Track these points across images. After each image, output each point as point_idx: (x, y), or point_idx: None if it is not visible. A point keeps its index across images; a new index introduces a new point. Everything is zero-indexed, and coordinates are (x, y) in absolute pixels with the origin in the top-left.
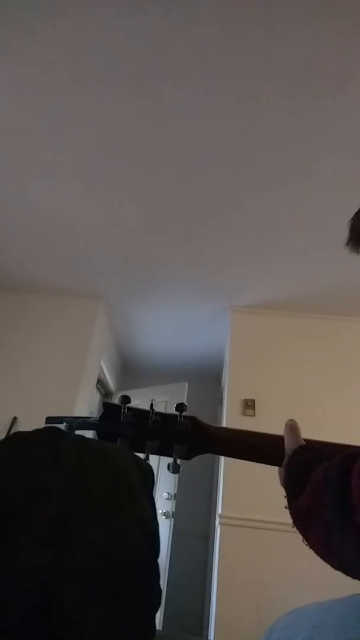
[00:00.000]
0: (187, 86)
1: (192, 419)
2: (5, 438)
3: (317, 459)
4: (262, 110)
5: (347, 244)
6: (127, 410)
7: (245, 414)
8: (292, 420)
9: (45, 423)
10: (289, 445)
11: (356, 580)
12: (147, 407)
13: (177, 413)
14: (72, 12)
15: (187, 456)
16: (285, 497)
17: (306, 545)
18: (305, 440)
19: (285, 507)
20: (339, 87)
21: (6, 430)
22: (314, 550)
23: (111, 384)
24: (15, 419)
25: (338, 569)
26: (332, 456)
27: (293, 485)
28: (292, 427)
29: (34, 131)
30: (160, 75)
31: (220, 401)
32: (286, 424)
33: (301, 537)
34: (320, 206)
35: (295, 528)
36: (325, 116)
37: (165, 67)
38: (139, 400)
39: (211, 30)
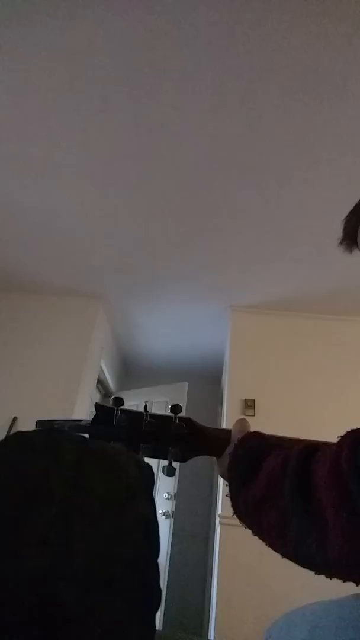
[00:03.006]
0: (187, 87)
1: (188, 420)
2: (6, 438)
3: (266, 445)
4: (262, 110)
5: (341, 243)
6: (120, 413)
7: (245, 414)
8: (242, 419)
9: (36, 426)
10: (234, 434)
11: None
12: (145, 404)
13: (172, 415)
14: (72, 12)
15: (182, 459)
16: (226, 484)
17: (253, 533)
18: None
19: (227, 495)
20: (339, 87)
21: (6, 430)
22: (263, 538)
23: (111, 384)
24: (15, 419)
25: (289, 558)
26: (280, 444)
27: (241, 473)
28: (241, 420)
29: (34, 131)
30: (160, 75)
31: (220, 401)
32: (236, 422)
33: (245, 525)
34: (320, 206)
35: (235, 515)
36: (325, 116)
37: (165, 67)
38: (139, 400)
39: (211, 30)
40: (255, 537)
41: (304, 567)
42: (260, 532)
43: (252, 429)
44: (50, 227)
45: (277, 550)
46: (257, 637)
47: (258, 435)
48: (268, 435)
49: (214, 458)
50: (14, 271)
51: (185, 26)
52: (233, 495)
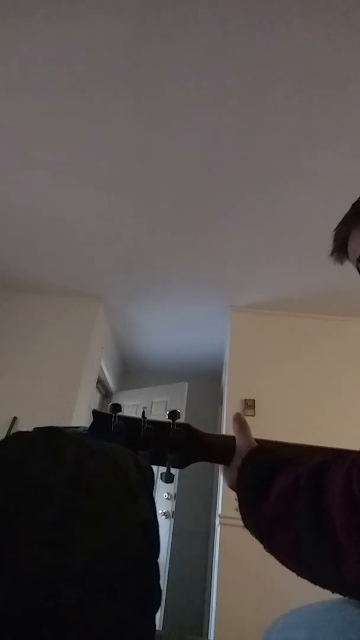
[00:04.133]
0: (187, 86)
1: (186, 426)
2: (5, 438)
3: (275, 462)
4: (262, 110)
5: (332, 254)
6: (118, 419)
7: (245, 414)
8: (239, 414)
9: None
10: (241, 447)
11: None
12: (143, 411)
13: (169, 421)
14: (72, 12)
15: (180, 465)
16: (236, 499)
17: (267, 551)
18: (256, 440)
19: (236, 509)
20: (340, 87)
21: (6, 430)
22: (278, 557)
23: (111, 384)
24: (15, 419)
25: (305, 578)
26: (288, 459)
27: (250, 490)
28: (241, 423)
29: (34, 131)
30: (160, 76)
31: (220, 401)
32: (233, 419)
33: (261, 544)
34: (320, 206)
35: (244, 528)
36: (326, 116)
37: (164, 66)
38: (139, 401)
39: (211, 30)
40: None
41: (322, 587)
42: (272, 550)
43: (252, 429)
44: (50, 228)
45: (291, 569)
46: (257, 637)
47: (265, 449)
48: (275, 448)
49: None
50: (14, 271)
51: (186, 26)
52: (243, 513)
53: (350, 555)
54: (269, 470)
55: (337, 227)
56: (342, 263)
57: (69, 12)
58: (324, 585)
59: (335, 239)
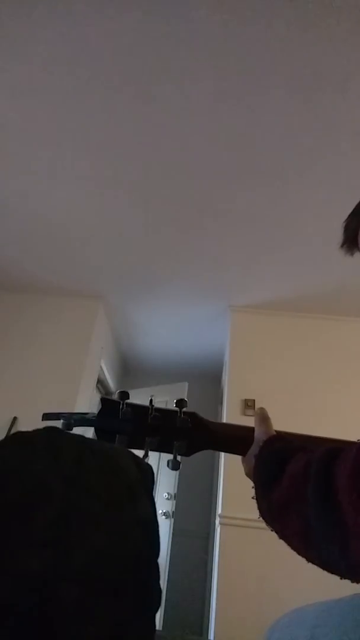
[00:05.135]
0: (187, 86)
1: (192, 414)
2: (6, 438)
3: (290, 449)
4: (262, 110)
5: (342, 245)
6: (126, 406)
7: (245, 414)
8: (262, 408)
9: (42, 419)
10: (259, 435)
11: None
12: (151, 398)
13: (177, 409)
14: (72, 12)
15: (186, 452)
16: (252, 487)
17: (279, 537)
18: (276, 431)
19: (252, 498)
20: (340, 87)
21: (6, 430)
22: (289, 543)
23: (111, 384)
24: (15, 419)
25: (315, 563)
26: (304, 447)
27: (265, 477)
28: (263, 416)
29: (33, 131)
30: (160, 75)
31: (220, 401)
32: (256, 413)
33: (272, 529)
34: (320, 206)
35: (261, 519)
36: (325, 116)
37: (164, 66)
38: (139, 401)
39: (211, 30)
40: (255, 538)
41: (330, 572)
42: (284, 536)
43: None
44: (50, 228)
45: (302, 555)
46: (257, 637)
47: (283, 437)
48: (293, 438)
49: (221, 453)
50: (14, 271)
51: (186, 26)
52: (258, 498)
53: (356, 536)
54: (283, 457)
55: (347, 219)
56: (352, 254)
57: (69, 13)
58: (332, 570)
59: (346, 231)
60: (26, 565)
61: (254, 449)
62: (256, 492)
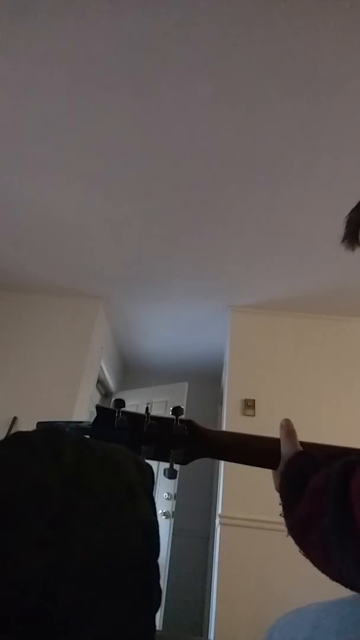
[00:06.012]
0: (187, 86)
1: (189, 422)
2: (5, 438)
3: (314, 465)
4: (262, 109)
5: (343, 240)
6: (122, 415)
7: (245, 414)
8: (287, 421)
9: (37, 428)
10: (286, 452)
11: None
12: (144, 411)
13: (173, 417)
14: (72, 12)
15: (183, 461)
16: (280, 504)
17: (303, 555)
18: (301, 443)
19: (280, 515)
20: (340, 87)
21: (6, 430)
22: (312, 560)
23: (111, 384)
24: (15, 419)
25: (337, 580)
26: (329, 463)
27: (290, 493)
28: (289, 431)
29: (33, 131)
30: (160, 75)
31: (220, 401)
32: (282, 426)
33: (298, 547)
34: (320, 206)
35: (289, 536)
36: (325, 116)
37: (165, 66)
38: (139, 401)
39: (211, 30)
40: (255, 538)
41: (352, 589)
42: (306, 551)
43: (252, 429)
44: (50, 227)
45: (325, 573)
46: (257, 637)
47: (308, 453)
48: (319, 450)
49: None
50: (14, 271)
51: (186, 26)
52: (285, 515)
53: None
54: (307, 473)
55: (350, 214)
56: (353, 250)
57: (69, 12)
58: (352, 586)
59: (348, 225)
60: (26, 565)
61: (280, 466)
62: (283, 509)
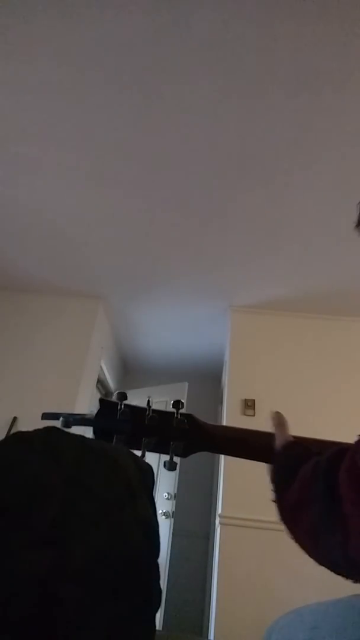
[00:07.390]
0: (187, 86)
1: (189, 416)
2: (5, 438)
3: (304, 454)
4: (262, 109)
5: (357, 226)
6: (124, 407)
7: (245, 414)
8: (278, 413)
9: (42, 419)
10: (278, 441)
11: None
12: (149, 399)
13: (174, 410)
14: (72, 12)
15: (183, 454)
16: (272, 490)
17: (292, 539)
18: (297, 438)
19: (273, 501)
20: (339, 87)
21: (6, 430)
22: (300, 544)
23: (111, 383)
24: (15, 419)
25: (324, 564)
26: (319, 452)
27: (281, 479)
28: (280, 422)
29: (33, 130)
30: (160, 75)
31: (220, 401)
32: (273, 419)
33: (288, 533)
34: (320, 206)
35: (281, 522)
36: (325, 116)
37: (165, 66)
38: (139, 401)
39: (211, 30)
40: (255, 538)
41: (337, 573)
42: (296, 538)
43: (252, 429)
44: (50, 227)
45: (312, 557)
46: (257, 637)
47: (298, 443)
48: (310, 443)
49: (216, 456)
50: (14, 271)
51: (186, 26)
52: (276, 501)
53: (353, 528)
54: (297, 461)
55: None
56: None
57: (70, 13)
58: (337, 570)
59: None
60: (26, 565)
61: (274, 455)
62: (274, 496)
